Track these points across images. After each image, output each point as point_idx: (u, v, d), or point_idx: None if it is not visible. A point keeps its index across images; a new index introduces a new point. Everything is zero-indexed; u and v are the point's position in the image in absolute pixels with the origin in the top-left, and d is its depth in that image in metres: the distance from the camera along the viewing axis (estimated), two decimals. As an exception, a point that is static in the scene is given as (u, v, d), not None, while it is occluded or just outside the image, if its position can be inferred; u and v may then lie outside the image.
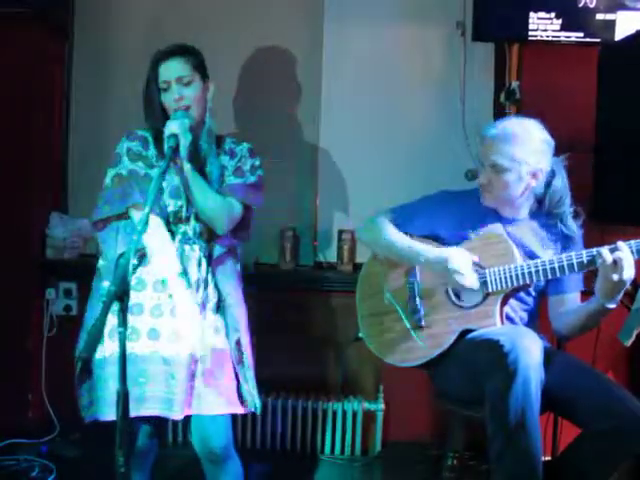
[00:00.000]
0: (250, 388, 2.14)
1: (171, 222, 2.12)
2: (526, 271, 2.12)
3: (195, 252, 2.12)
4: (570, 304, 2.21)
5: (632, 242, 1.99)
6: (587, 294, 2.20)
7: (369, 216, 2.40)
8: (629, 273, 1.96)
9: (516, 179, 2.17)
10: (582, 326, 2.18)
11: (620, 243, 1.98)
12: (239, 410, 2.14)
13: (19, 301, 3.37)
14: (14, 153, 3.33)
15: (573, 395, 2.04)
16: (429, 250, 2.22)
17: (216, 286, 2.14)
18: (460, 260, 2.15)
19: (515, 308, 2.24)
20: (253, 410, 2.16)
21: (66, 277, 3.40)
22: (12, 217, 3.32)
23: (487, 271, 2.17)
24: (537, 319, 2.30)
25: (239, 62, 3.29)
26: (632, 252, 1.98)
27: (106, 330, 2.04)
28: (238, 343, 2.14)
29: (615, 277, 1.97)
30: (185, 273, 2.09)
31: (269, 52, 3.36)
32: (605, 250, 2.00)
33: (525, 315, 2.26)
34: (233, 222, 2.13)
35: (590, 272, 2.11)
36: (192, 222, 2.12)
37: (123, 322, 1.68)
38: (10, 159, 3.32)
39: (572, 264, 2.06)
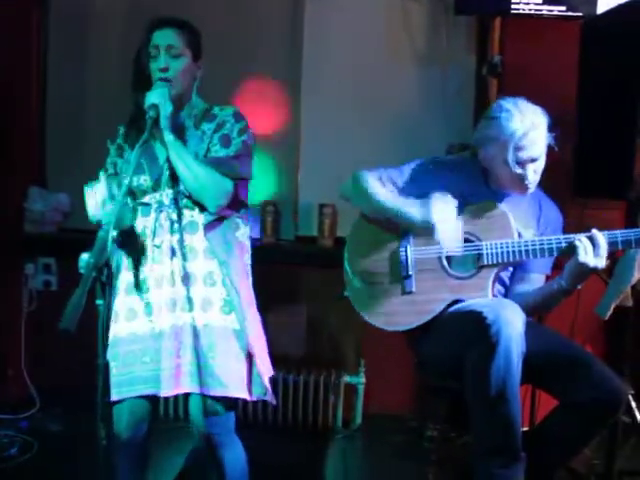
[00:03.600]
0: (259, 372, 2.04)
1: (137, 197, 2.07)
2: (523, 249, 2.10)
3: (168, 220, 2.04)
4: (533, 284, 2.20)
5: (611, 232, 2.00)
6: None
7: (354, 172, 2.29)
8: (602, 263, 1.98)
9: (543, 162, 2.15)
10: (538, 306, 2.17)
11: (596, 232, 1.99)
12: (245, 395, 2.02)
13: (-3, 276, 3.34)
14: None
15: (551, 367, 2.06)
16: (418, 211, 2.11)
17: (207, 255, 2.03)
18: (448, 230, 2.09)
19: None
20: (259, 398, 2.06)
21: (45, 252, 3.37)
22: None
23: (484, 244, 2.14)
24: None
25: (222, 32, 3.24)
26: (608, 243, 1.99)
27: (122, 310, 2.03)
28: (246, 323, 2.05)
29: (591, 264, 1.98)
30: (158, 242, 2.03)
31: (250, 27, 3.33)
32: (583, 237, 2.00)
33: (502, 289, 2.25)
34: (226, 198, 2.02)
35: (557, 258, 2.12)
36: (166, 189, 2.04)
37: (102, 294, 1.67)
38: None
39: (561, 247, 2.05)
